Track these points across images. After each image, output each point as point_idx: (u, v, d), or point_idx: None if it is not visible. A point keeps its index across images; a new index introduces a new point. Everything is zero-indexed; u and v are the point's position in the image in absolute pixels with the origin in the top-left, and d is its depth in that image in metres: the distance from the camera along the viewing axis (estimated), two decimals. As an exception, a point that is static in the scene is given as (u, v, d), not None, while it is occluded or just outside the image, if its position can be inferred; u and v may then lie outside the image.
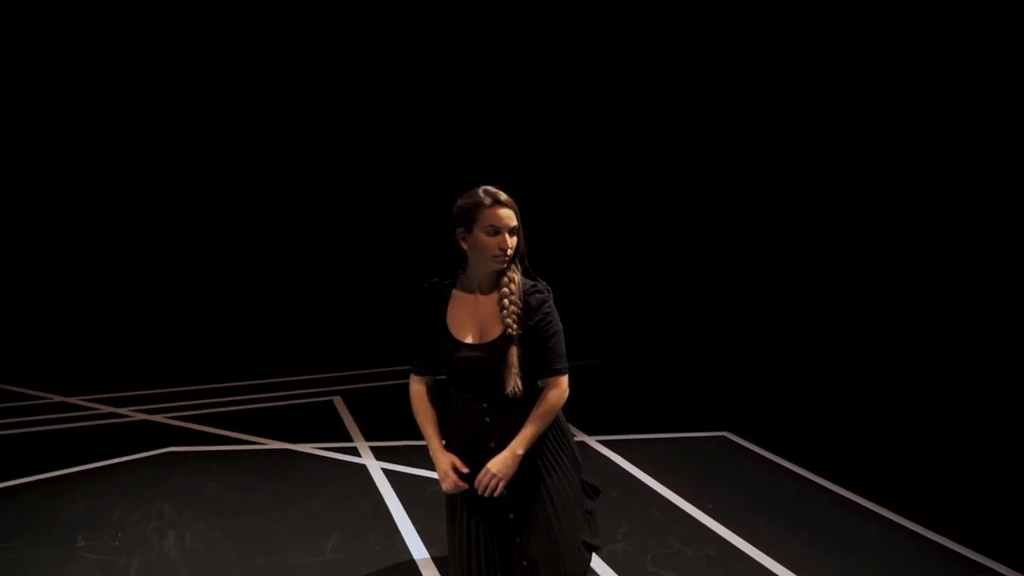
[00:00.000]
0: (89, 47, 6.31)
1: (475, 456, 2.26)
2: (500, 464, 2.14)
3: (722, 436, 4.58)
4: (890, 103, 5.69)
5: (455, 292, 2.29)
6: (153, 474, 3.92)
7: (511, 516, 2.24)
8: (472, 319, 2.25)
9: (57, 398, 5.30)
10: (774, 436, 4.53)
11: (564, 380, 2.26)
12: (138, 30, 6.40)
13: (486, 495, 2.11)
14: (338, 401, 5.27)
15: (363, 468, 4.04)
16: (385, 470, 3.99)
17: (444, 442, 2.35)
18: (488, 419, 2.23)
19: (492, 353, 2.18)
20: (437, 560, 3.05)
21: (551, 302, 2.27)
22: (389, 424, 4.70)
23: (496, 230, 2.18)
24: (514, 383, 2.17)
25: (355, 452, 4.27)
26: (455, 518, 2.35)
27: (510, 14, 7.22)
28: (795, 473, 4.02)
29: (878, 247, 5.85)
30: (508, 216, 2.20)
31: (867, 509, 3.58)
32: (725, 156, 7.03)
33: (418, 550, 3.14)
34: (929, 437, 4.55)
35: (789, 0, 6.25)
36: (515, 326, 2.17)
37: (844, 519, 3.48)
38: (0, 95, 6.21)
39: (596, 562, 2.97)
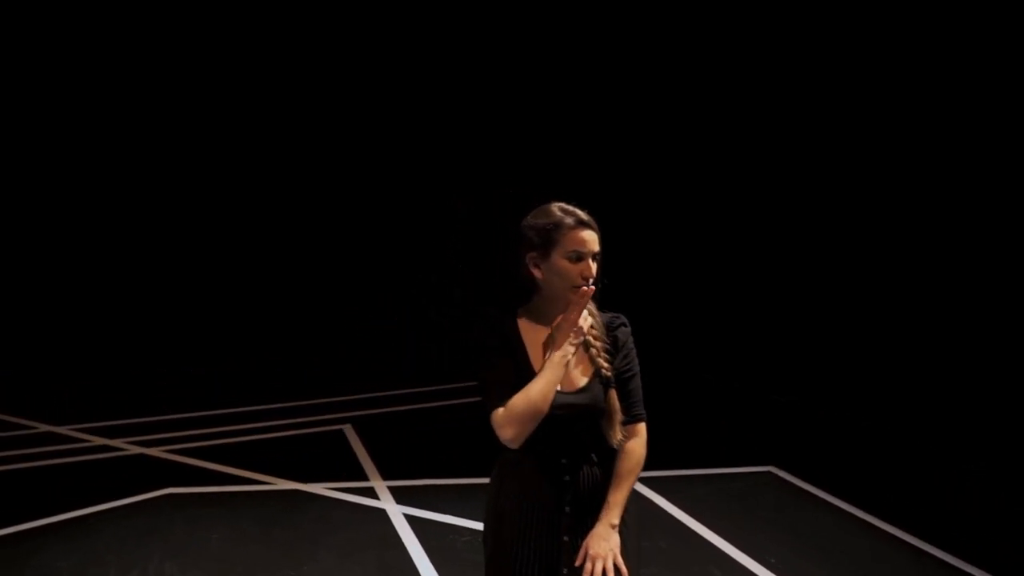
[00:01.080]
0: (89, 47, 6.14)
1: (542, 524, 1.88)
2: (598, 542, 1.79)
3: (767, 472, 4.24)
4: (891, 104, 5.63)
5: (523, 326, 1.91)
6: (151, 523, 3.55)
7: (566, 538, 1.86)
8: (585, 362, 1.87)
9: (45, 427, 4.92)
10: (822, 467, 4.21)
11: (644, 428, 1.92)
12: (138, 30, 6.24)
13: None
14: (349, 431, 4.91)
15: (382, 513, 3.68)
16: (408, 516, 3.63)
17: (493, 506, 1.96)
18: (568, 477, 1.87)
19: (589, 400, 1.85)
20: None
21: (631, 340, 1.93)
22: (409, 459, 4.36)
23: (580, 255, 1.83)
24: (619, 432, 1.85)
25: (372, 493, 3.91)
26: (502, 561, 1.96)
27: (511, 15, 7.03)
28: (853, 515, 3.69)
29: (886, 250, 5.75)
30: (593, 240, 1.85)
31: (935, 557, 3.25)
32: (732, 159, 6.91)
33: (452, 618, 2.79)
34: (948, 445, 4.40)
35: (789, 0, 6.21)
36: (608, 367, 1.85)
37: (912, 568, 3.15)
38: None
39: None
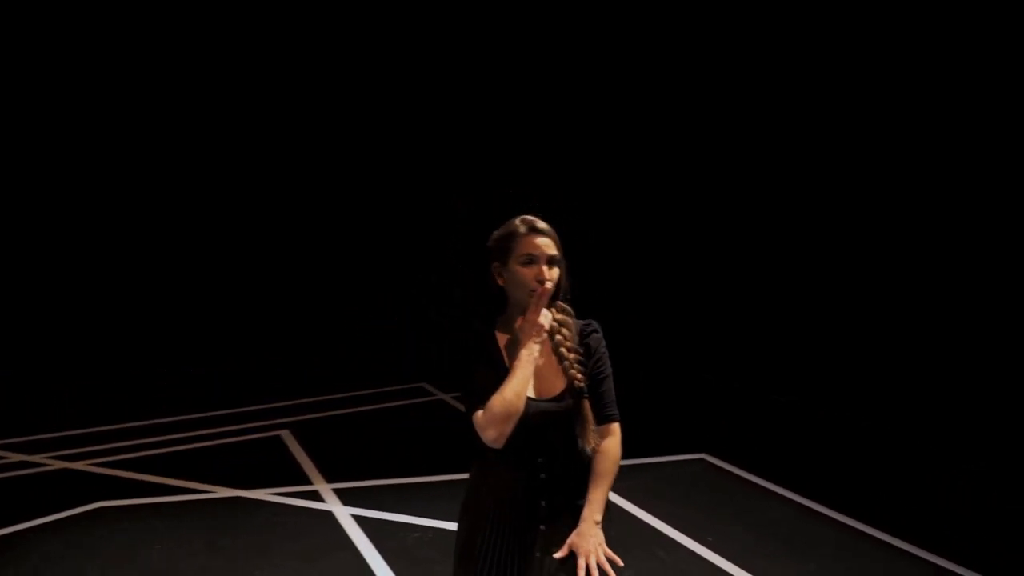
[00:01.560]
0: (89, 47, 5.96)
1: (520, 517, 2.00)
2: (585, 539, 1.90)
3: (700, 459, 4.47)
4: (892, 105, 5.65)
5: (499, 336, 2.02)
6: (84, 539, 3.41)
7: (543, 528, 1.98)
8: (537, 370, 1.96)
9: (-47, 446, 4.62)
10: (754, 454, 4.47)
11: (618, 428, 2.05)
12: (138, 30, 6.11)
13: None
14: (287, 435, 4.83)
15: (329, 516, 3.66)
16: (356, 516, 3.63)
17: (465, 506, 2.11)
18: (544, 475, 1.99)
19: (563, 408, 1.97)
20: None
21: (603, 345, 2.06)
22: (351, 461, 4.34)
23: (532, 259, 1.94)
24: (592, 439, 1.97)
25: (317, 496, 3.88)
26: (471, 566, 2.08)
27: (511, 15, 7.10)
28: (786, 498, 3.94)
29: (884, 250, 5.81)
30: (546, 244, 1.96)
31: (865, 534, 3.53)
32: (734, 160, 6.93)
33: (411, 614, 2.83)
34: (927, 445, 4.62)
35: (789, 0, 6.24)
36: (581, 376, 1.96)
37: (849, 545, 3.41)
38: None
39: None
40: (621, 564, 1.92)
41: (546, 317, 1.95)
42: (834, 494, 3.90)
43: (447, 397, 5.69)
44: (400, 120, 7.08)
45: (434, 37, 7.03)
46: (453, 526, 3.27)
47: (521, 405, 1.89)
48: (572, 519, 1.97)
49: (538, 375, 1.97)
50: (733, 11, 6.70)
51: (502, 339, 2.02)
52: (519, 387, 1.90)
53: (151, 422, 5.07)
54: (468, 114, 7.22)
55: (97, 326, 6.11)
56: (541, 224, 1.98)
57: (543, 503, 1.98)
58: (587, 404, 1.97)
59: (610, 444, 2.01)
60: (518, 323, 2.00)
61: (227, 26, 6.33)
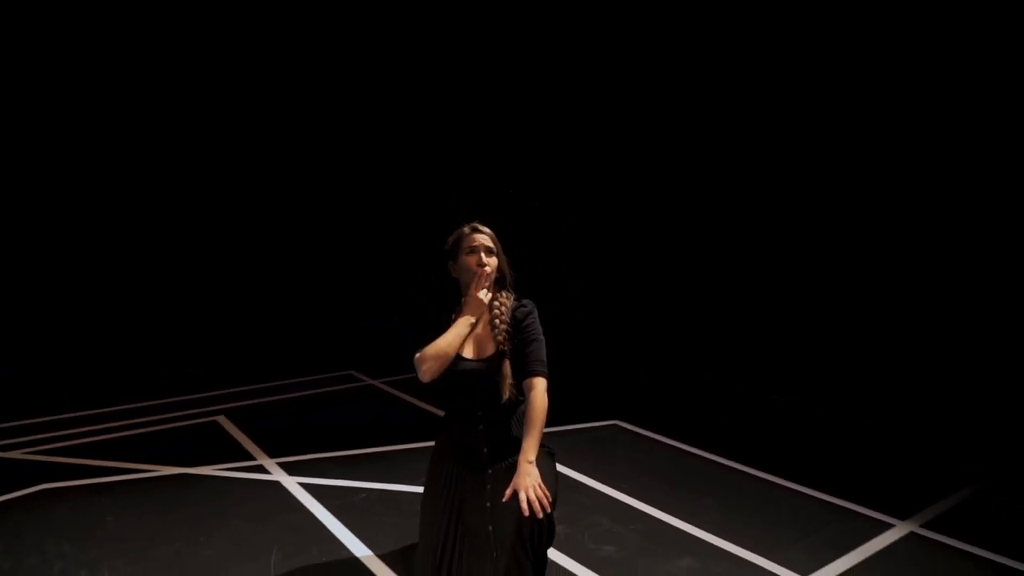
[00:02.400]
0: (89, 47, 5.83)
1: (467, 460, 2.62)
2: (522, 478, 2.37)
3: (613, 424, 4.97)
4: (891, 103, 5.69)
5: (456, 317, 2.64)
6: (33, 516, 3.50)
7: (488, 486, 2.52)
8: (470, 338, 2.61)
9: None
10: (655, 421, 5.00)
11: (543, 382, 2.56)
12: (138, 30, 6.02)
13: (537, 512, 2.31)
14: (223, 420, 4.99)
15: (277, 485, 3.90)
16: (303, 484, 3.88)
17: (435, 446, 2.75)
18: (482, 426, 2.57)
19: (489, 366, 2.55)
20: (384, 558, 3.07)
21: (535, 315, 2.67)
22: (289, 439, 4.55)
23: (472, 250, 2.62)
24: (509, 392, 2.53)
25: (263, 470, 4.10)
26: (434, 499, 2.63)
27: (512, 16, 7.23)
28: (680, 449, 4.49)
29: (884, 251, 5.87)
30: (483, 238, 2.64)
31: (751, 475, 4.10)
32: (733, 160, 6.91)
33: (362, 551, 3.13)
34: (927, 445, 4.65)
35: (789, 0, 6.29)
36: (506, 343, 2.55)
37: (732, 483, 3.96)
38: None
39: (543, 546, 3.14)
40: (550, 499, 2.39)
41: (485, 294, 2.58)
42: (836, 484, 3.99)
43: (376, 382, 5.96)
44: (400, 121, 7.20)
45: (434, 37, 7.13)
46: (396, 487, 3.67)
47: (451, 352, 2.52)
48: (514, 466, 2.47)
49: (477, 341, 2.61)
50: (731, 11, 6.75)
51: (457, 318, 2.64)
52: (452, 339, 2.54)
53: (85, 413, 5.09)
54: (469, 114, 7.38)
55: (31, 317, 5.99)
56: (480, 226, 2.67)
57: (485, 450, 2.56)
58: (507, 363, 2.54)
59: (535, 396, 2.53)
60: (465, 297, 2.65)
61: (227, 27, 6.34)
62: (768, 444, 4.62)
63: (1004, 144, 5.07)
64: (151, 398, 5.44)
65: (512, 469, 2.48)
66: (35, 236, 5.94)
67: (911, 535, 3.40)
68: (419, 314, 2.85)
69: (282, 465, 4.16)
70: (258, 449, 4.42)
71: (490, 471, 2.58)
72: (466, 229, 2.69)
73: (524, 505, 2.32)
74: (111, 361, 6.17)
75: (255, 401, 5.47)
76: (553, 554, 3.12)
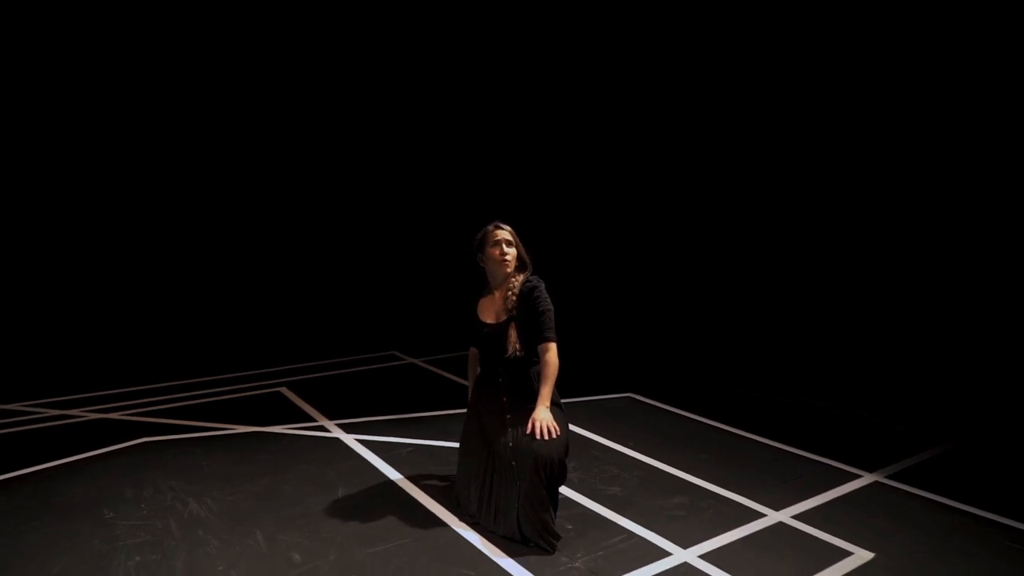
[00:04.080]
0: (89, 47, 6.18)
1: (491, 403, 3.40)
2: (538, 412, 3.20)
3: (628, 396, 5.59)
4: (891, 105, 5.77)
5: (482, 299, 3.51)
6: (142, 460, 4.25)
7: (509, 429, 3.27)
8: (491, 311, 3.42)
9: (-7, 406, 5.33)
10: (669, 394, 5.61)
11: (553, 345, 3.30)
12: (138, 30, 6.33)
13: (545, 437, 3.12)
14: (286, 391, 5.73)
15: (338, 441, 4.61)
16: (359, 440, 4.59)
17: (469, 403, 3.59)
18: (501, 379, 3.36)
19: (500, 329, 3.34)
20: (429, 494, 3.74)
21: (541, 288, 3.41)
22: (345, 407, 5.26)
23: (496, 243, 3.39)
24: (513, 348, 3.30)
25: (324, 430, 4.82)
26: (469, 442, 3.45)
27: (512, 17, 7.63)
28: (687, 418, 5.10)
29: (885, 252, 5.93)
30: (503, 234, 3.42)
31: (746, 437, 4.70)
32: (733, 164, 7.11)
33: (413, 490, 3.81)
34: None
35: (789, 0, 6.39)
36: (513, 310, 3.32)
37: (729, 444, 4.57)
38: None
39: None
40: (557, 432, 3.11)
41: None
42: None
43: (416, 361, 6.66)
44: (401, 120, 7.62)
45: (435, 39, 7.51)
46: (435, 443, 4.39)
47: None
48: (529, 412, 3.25)
49: (495, 310, 3.42)
50: (730, 12, 6.93)
51: (483, 299, 3.49)
52: (469, 376, 3.69)
53: (165, 384, 5.88)
54: (477, 114, 7.80)
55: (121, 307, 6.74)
56: (501, 224, 3.45)
57: (504, 399, 3.31)
58: (513, 326, 3.31)
59: (548, 357, 3.31)
60: (491, 289, 3.49)
61: (226, 26, 6.64)
62: (769, 414, 5.20)
63: (1004, 145, 5.14)
64: (224, 372, 6.21)
65: (528, 415, 3.20)
66: (135, 233, 6.64)
67: (875, 483, 3.97)
68: (452, 301, 3.70)
69: (340, 426, 4.87)
70: (318, 413, 5.14)
71: (509, 416, 3.28)
72: (490, 227, 3.45)
73: (536, 430, 3.11)
74: (192, 340, 6.94)
75: (311, 375, 6.21)
76: (568, 492, 3.77)
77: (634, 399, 5.53)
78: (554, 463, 3.16)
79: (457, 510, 3.49)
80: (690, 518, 3.50)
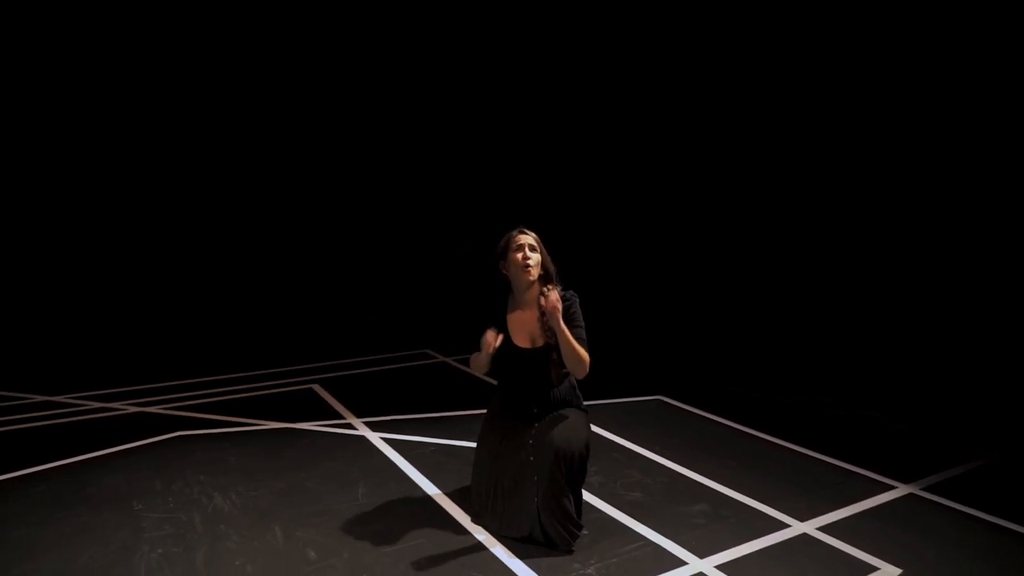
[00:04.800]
0: (89, 47, 6.31)
1: (519, 416, 3.29)
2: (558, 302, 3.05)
3: (657, 399, 5.50)
4: (892, 107, 5.87)
5: (510, 314, 3.32)
6: (173, 453, 4.38)
7: (532, 429, 3.22)
8: (524, 332, 3.26)
9: (40, 398, 5.55)
10: (699, 397, 5.50)
11: (586, 355, 3.14)
12: (138, 29, 6.42)
13: (557, 307, 3.02)
14: (318, 388, 5.82)
15: (363, 439, 4.66)
16: (384, 438, 4.63)
17: (488, 410, 3.49)
18: (536, 410, 3.27)
19: (540, 356, 3.23)
20: (448, 494, 3.74)
21: (576, 304, 3.28)
22: (374, 405, 5.32)
23: (519, 247, 3.23)
24: (556, 374, 3.23)
25: (351, 427, 4.87)
26: (486, 444, 3.37)
27: (513, 18, 7.65)
28: (717, 422, 4.99)
29: (886, 252, 6.09)
30: (526, 238, 3.27)
31: (775, 444, 4.57)
32: (740, 170, 7.31)
33: (431, 488, 3.82)
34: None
35: (789, 0, 6.49)
36: (553, 338, 3.16)
37: (757, 451, 4.45)
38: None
39: (579, 490, 3.75)
40: (560, 308, 3.04)
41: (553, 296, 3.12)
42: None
43: (447, 360, 6.69)
44: (404, 120, 7.71)
45: (438, 36, 7.54)
46: (459, 443, 4.38)
47: (481, 367, 3.29)
48: (556, 417, 3.24)
49: (529, 332, 3.25)
50: (731, 13, 7.03)
51: (510, 319, 3.31)
52: (480, 359, 3.27)
53: (204, 379, 6.04)
54: (512, 116, 7.83)
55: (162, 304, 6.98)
56: (525, 228, 3.30)
57: (535, 410, 3.29)
58: (555, 354, 3.18)
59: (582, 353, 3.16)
60: (512, 293, 3.34)
61: (226, 25, 6.71)
62: (800, 421, 5.05)
63: (1004, 144, 5.17)
64: (259, 368, 6.34)
65: (554, 420, 3.17)
66: (186, 233, 6.86)
67: (910, 496, 3.81)
68: (481, 301, 3.55)
69: (367, 424, 4.92)
70: (347, 411, 5.21)
71: (535, 424, 3.25)
72: (514, 232, 3.31)
73: (548, 299, 3.04)
74: (234, 337, 7.12)
75: (344, 373, 6.29)
76: (587, 496, 3.73)
77: (663, 402, 5.44)
78: (574, 457, 3.14)
79: (472, 512, 3.49)
80: (710, 526, 3.42)
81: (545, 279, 3.26)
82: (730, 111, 7.31)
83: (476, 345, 3.22)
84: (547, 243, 3.33)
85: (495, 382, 3.46)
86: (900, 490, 3.88)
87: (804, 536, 3.34)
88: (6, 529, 3.42)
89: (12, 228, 6.50)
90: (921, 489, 3.90)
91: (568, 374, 3.32)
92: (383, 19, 7.32)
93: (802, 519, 3.50)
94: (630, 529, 3.39)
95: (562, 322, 3.04)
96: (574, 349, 3.07)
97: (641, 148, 8.11)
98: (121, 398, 5.55)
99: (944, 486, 3.94)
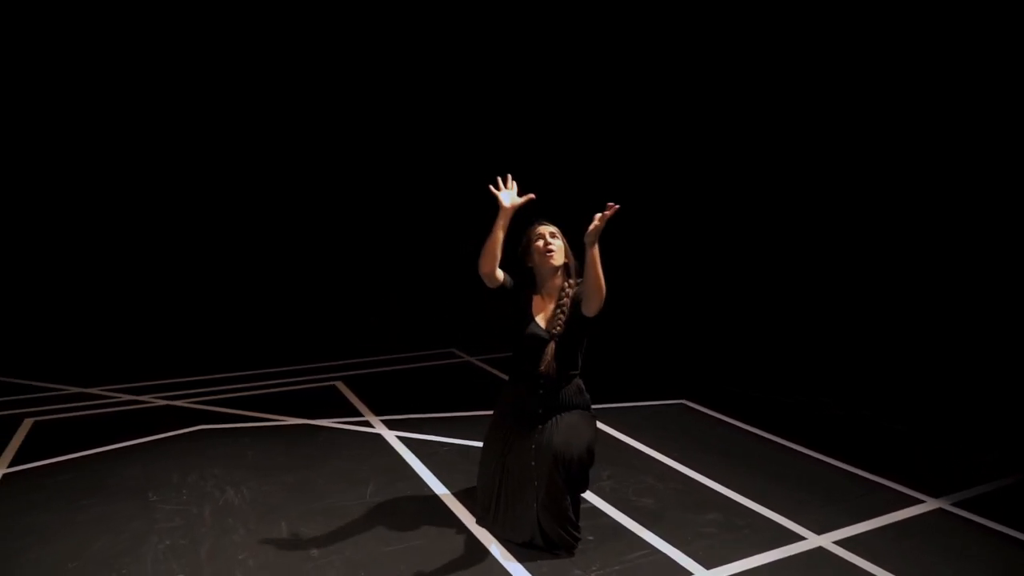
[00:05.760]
0: (89, 46, 6.42)
1: (523, 417, 3.24)
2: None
3: (681, 403, 5.38)
4: (894, 112, 5.90)
5: (535, 295, 3.29)
6: (194, 446, 4.45)
7: (535, 434, 3.16)
8: (544, 311, 3.25)
9: (75, 389, 5.72)
10: (724, 402, 5.36)
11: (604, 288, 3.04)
12: (138, 28, 6.52)
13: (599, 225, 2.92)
14: (341, 385, 5.86)
15: (379, 436, 4.66)
16: (399, 437, 4.63)
17: (495, 411, 3.41)
18: (542, 391, 3.19)
19: (541, 341, 3.19)
20: (456, 495, 3.72)
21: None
22: (394, 403, 5.32)
23: (540, 236, 3.20)
24: (547, 366, 3.17)
25: (368, 425, 4.89)
26: (491, 447, 3.30)
27: (513, 17, 7.65)
28: (741, 429, 4.84)
29: (887, 253, 6.12)
30: (545, 228, 3.23)
31: (800, 452, 4.41)
32: (744, 173, 7.30)
33: (440, 489, 3.80)
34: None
35: (790, 1, 6.51)
36: (561, 328, 3.17)
37: (779, 459, 4.30)
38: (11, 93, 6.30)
39: (587, 494, 3.68)
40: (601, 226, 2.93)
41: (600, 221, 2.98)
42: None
43: (473, 359, 6.67)
44: (406, 121, 7.67)
45: (438, 36, 7.53)
46: (475, 443, 4.33)
47: (492, 246, 3.12)
48: (561, 421, 3.17)
49: (547, 316, 3.22)
50: (731, 15, 7.03)
51: (535, 299, 3.28)
52: (491, 237, 3.12)
53: (232, 374, 6.15)
54: (474, 117, 7.83)
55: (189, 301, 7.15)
56: (543, 221, 3.27)
57: (540, 411, 3.21)
58: (553, 344, 3.16)
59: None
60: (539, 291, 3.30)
61: (226, 25, 6.75)
62: (832, 429, 4.87)
63: (1005, 144, 5.15)
64: (285, 364, 6.42)
65: (558, 423, 3.12)
66: (219, 231, 7.02)
67: (938, 511, 3.63)
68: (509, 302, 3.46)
69: (385, 422, 4.93)
70: (366, 408, 5.23)
71: (540, 426, 3.18)
72: (534, 223, 3.28)
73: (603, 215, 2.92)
74: (259, 333, 7.24)
75: (368, 371, 6.33)
76: (596, 500, 3.65)
77: (687, 406, 5.32)
78: (573, 461, 3.08)
79: (476, 514, 3.45)
80: (721, 536, 3.31)
81: (567, 272, 3.23)
82: (730, 122, 7.34)
83: (500, 347, 3.26)
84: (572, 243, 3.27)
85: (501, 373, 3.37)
86: (928, 504, 3.70)
87: (819, 550, 3.21)
88: (28, 515, 3.52)
89: (58, 229, 6.73)
90: (951, 504, 3.71)
91: (575, 375, 3.25)
92: (387, 17, 7.33)
93: (819, 532, 3.36)
94: (637, 536, 3.30)
95: (597, 246, 2.93)
96: (599, 275, 2.94)
97: (658, 152, 8.05)
98: (151, 391, 5.69)
99: (976, 502, 3.74)
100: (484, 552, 3.14)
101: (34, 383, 5.88)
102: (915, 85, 5.74)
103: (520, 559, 3.07)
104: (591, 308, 3.03)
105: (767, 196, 7.26)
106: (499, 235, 3.06)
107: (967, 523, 3.51)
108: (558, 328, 3.15)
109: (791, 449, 4.46)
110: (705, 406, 5.30)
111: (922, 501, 3.73)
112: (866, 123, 6.22)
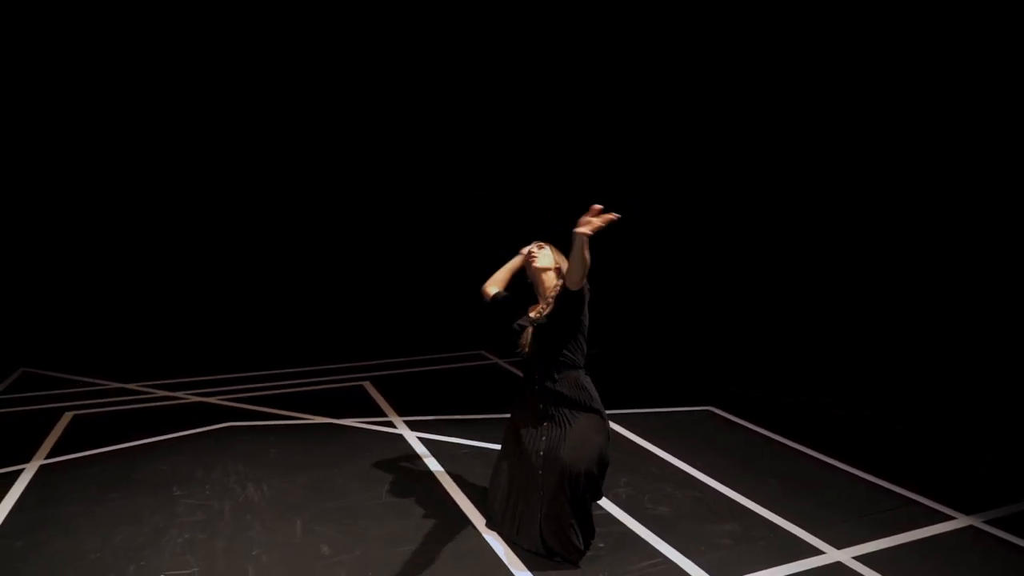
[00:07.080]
0: (90, 46, 6.52)
1: (526, 409, 3.24)
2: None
3: (706, 410, 5.28)
4: (894, 114, 5.90)
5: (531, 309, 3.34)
6: (220, 443, 4.56)
7: (543, 438, 3.15)
8: (535, 312, 3.31)
9: (115, 384, 5.91)
10: (751, 410, 5.24)
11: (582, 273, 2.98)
12: (138, 28, 6.60)
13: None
14: (368, 385, 5.92)
15: (400, 437, 4.70)
16: (420, 438, 4.65)
17: (510, 417, 3.42)
18: (537, 387, 3.18)
19: (531, 325, 3.22)
20: (470, 497, 3.72)
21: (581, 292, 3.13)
22: (418, 404, 5.36)
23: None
24: (522, 346, 3.26)
25: (391, 425, 4.93)
26: (504, 452, 3.33)
27: (516, 19, 7.64)
28: (768, 437, 4.73)
29: (887, 254, 6.12)
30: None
31: (826, 463, 4.29)
32: (748, 176, 7.31)
33: (456, 492, 3.80)
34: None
35: (790, 1, 6.52)
36: (542, 317, 3.23)
37: (805, 471, 4.18)
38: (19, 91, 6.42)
39: (603, 501, 3.64)
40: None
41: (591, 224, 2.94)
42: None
43: (501, 361, 6.67)
44: (408, 120, 7.65)
45: (439, 35, 7.50)
46: (493, 446, 4.32)
47: (502, 277, 3.52)
48: (565, 419, 3.13)
49: (537, 308, 3.28)
50: (733, 16, 6.99)
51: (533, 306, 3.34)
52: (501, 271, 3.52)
53: (265, 372, 6.27)
54: (477, 116, 7.80)
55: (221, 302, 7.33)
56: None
57: (541, 405, 3.16)
58: (531, 329, 3.23)
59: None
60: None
61: (226, 24, 6.78)
62: (862, 440, 4.72)
63: (1006, 147, 5.13)
64: (316, 364, 6.53)
65: (563, 422, 3.08)
66: (257, 234, 7.18)
67: (969, 528, 3.48)
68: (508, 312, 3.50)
69: (407, 422, 4.97)
70: (391, 409, 5.27)
71: (544, 424, 3.15)
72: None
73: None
74: (291, 333, 7.38)
75: (396, 371, 6.39)
76: (611, 508, 3.61)
77: (713, 413, 5.22)
78: (580, 476, 3.03)
79: (486, 516, 3.45)
80: (736, 548, 3.24)
81: (559, 274, 3.28)
82: (732, 129, 7.32)
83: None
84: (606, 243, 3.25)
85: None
86: (959, 521, 3.55)
87: (837, 564, 3.10)
88: (56, 507, 3.65)
89: (109, 232, 6.94)
90: (984, 522, 3.55)
91: (567, 365, 3.20)
92: (388, 18, 7.34)
93: (839, 547, 3.26)
94: (649, 545, 3.25)
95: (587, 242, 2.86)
96: (583, 250, 2.83)
97: (676, 159, 7.98)
98: (186, 388, 5.84)
99: (1012, 520, 3.57)
100: (493, 555, 3.13)
101: (78, 377, 6.10)
102: (915, 88, 5.71)
103: (527, 565, 3.06)
104: (572, 279, 2.96)
105: (771, 197, 7.24)
106: (507, 272, 3.47)
107: (999, 541, 3.36)
108: (540, 316, 3.22)
109: (820, 460, 4.34)
110: (731, 413, 5.19)
111: (953, 518, 3.58)
112: (867, 126, 6.22)
